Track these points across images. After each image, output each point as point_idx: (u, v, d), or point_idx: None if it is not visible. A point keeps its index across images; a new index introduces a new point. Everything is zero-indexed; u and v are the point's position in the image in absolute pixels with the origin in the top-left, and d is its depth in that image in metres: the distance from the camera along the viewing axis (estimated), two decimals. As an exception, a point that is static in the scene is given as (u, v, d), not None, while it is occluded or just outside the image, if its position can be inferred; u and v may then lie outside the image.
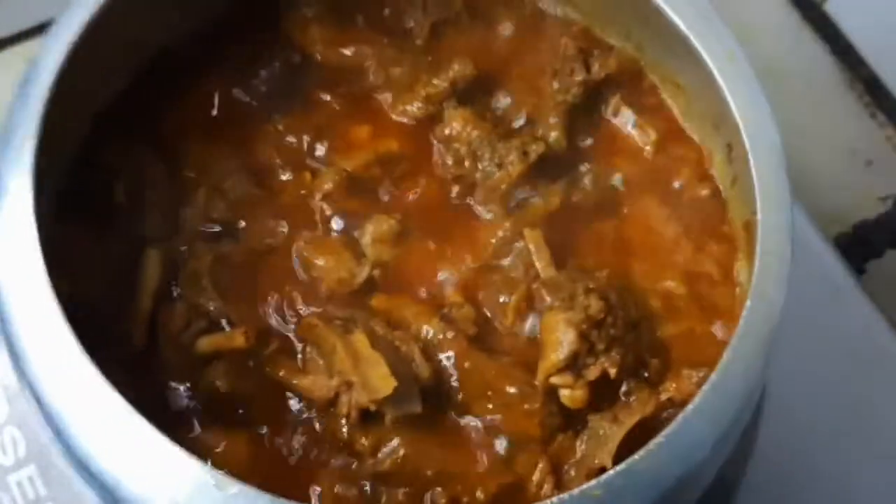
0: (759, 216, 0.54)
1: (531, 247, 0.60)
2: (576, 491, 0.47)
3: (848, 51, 0.99)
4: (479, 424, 0.56)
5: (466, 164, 0.62)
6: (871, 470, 0.72)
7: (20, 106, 0.54)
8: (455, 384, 0.56)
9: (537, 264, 0.59)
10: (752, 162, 0.56)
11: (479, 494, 0.54)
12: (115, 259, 0.58)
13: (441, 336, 0.56)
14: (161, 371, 0.56)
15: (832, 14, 1.00)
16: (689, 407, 0.49)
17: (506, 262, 0.60)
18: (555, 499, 0.46)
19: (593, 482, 0.47)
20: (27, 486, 0.64)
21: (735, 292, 0.59)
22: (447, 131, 0.63)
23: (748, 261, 0.58)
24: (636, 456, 0.48)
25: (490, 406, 0.56)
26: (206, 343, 0.56)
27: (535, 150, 0.61)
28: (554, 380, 0.55)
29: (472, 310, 0.58)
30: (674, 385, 0.56)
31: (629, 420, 0.55)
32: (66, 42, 0.55)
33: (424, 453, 0.54)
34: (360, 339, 0.55)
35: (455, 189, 0.63)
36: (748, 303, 0.52)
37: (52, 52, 0.55)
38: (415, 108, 0.64)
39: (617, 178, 0.64)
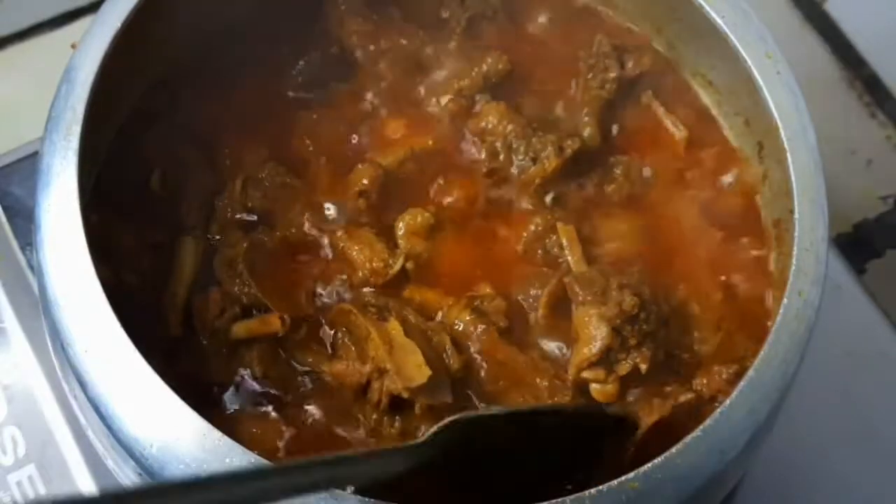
0: (796, 215, 0.55)
1: (564, 241, 0.60)
2: (615, 482, 0.47)
3: (848, 51, 0.99)
4: None
5: (501, 157, 0.62)
6: (872, 469, 0.72)
7: (67, 91, 0.54)
8: (484, 376, 0.56)
9: (569, 259, 0.59)
10: (790, 161, 0.56)
11: None
12: (151, 247, 0.58)
13: (472, 328, 0.57)
14: (197, 357, 0.56)
15: (832, 14, 1.00)
16: (726, 402, 0.50)
17: (538, 255, 0.61)
18: (593, 490, 0.47)
19: (631, 474, 0.47)
20: (27, 486, 0.64)
21: (766, 288, 0.60)
22: (482, 125, 0.63)
23: (777, 257, 0.59)
24: (673, 449, 0.48)
25: (521, 399, 0.56)
26: (241, 328, 0.56)
27: (571, 145, 0.62)
28: (585, 374, 0.56)
29: (503, 302, 0.58)
30: (704, 380, 0.56)
31: (647, 419, 0.55)
32: (111, 30, 0.55)
33: None
34: (394, 327, 0.55)
35: (489, 183, 0.63)
36: (784, 300, 0.52)
37: (97, 40, 0.55)
38: (448, 100, 0.64)
39: (648, 173, 0.64)
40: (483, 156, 0.63)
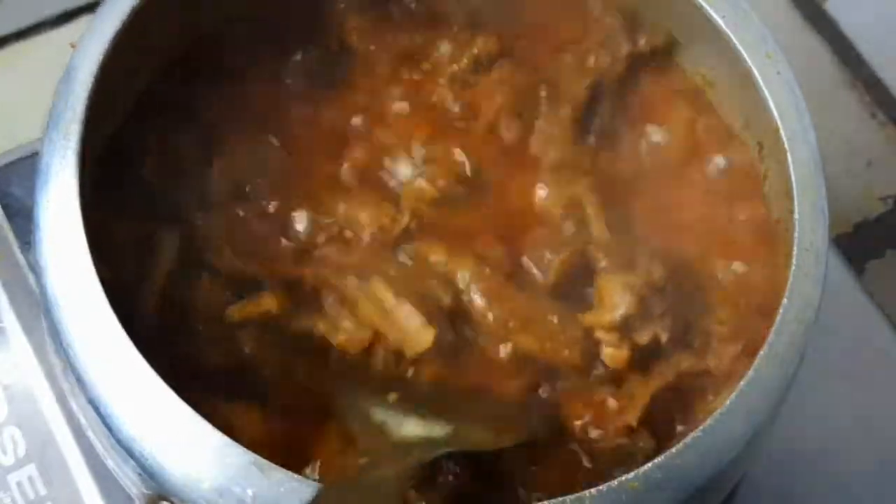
0: (796, 215, 0.54)
1: (588, 209, 0.59)
2: (614, 482, 0.47)
3: (848, 51, 0.99)
4: (515, 354, 0.56)
5: (508, 121, 0.62)
6: (871, 470, 0.72)
7: (66, 91, 0.54)
8: (492, 320, 0.56)
9: (593, 226, 0.59)
10: (790, 162, 0.56)
11: None
12: (144, 242, 0.58)
13: (478, 273, 0.56)
14: (194, 349, 0.56)
15: (832, 14, 1.00)
16: (725, 403, 0.50)
17: (552, 223, 0.60)
18: (593, 490, 0.47)
19: (631, 475, 0.47)
20: (27, 486, 0.64)
21: (769, 283, 0.59)
22: (483, 91, 0.63)
23: (778, 257, 0.58)
24: (673, 449, 0.48)
25: (530, 338, 0.56)
26: (236, 311, 0.56)
27: (587, 83, 0.61)
28: (600, 334, 0.56)
29: (504, 252, 0.58)
30: (716, 359, 0.56)
31: (642, 398, 0.55)
32: (110, 29, 0.55)
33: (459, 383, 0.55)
34: (377, 288, 0.55)
35: (497, 147, 0.62)
36: (784, 300, 0.52)
37: (96, 39, 0.55)
38: (442, 85, 0.64)
39: (655, 151, 0.64)
40: (484, 120, 0.62)
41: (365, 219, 0.59)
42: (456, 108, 0.64)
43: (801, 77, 0.58)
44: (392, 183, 0.61)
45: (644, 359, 0.57)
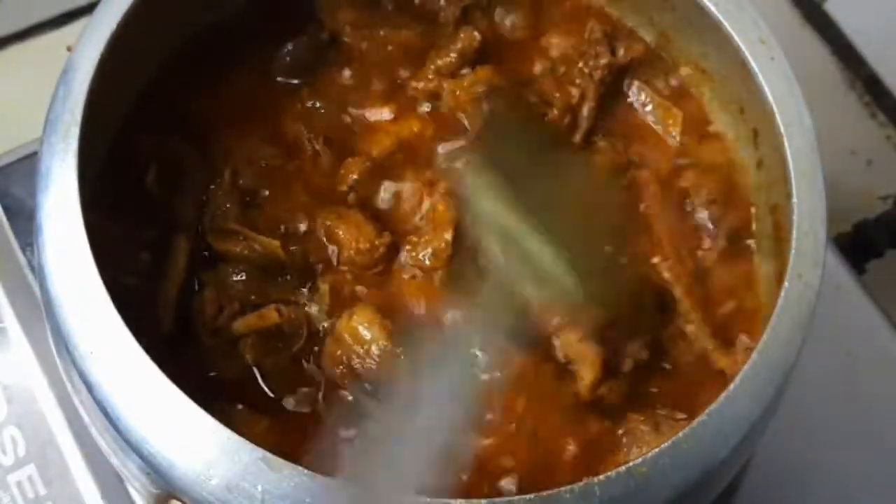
0: (794, 199, 0.54)
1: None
2: (622, 468, 0.47)
3: (848, 51, 0.99)
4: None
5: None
6: (872, 470, 0.72)
7: (64, 94, 0.54)
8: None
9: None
10: (786, 147, 0.56)
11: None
12: (147, 248, 0.58)
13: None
14: (200, 355, 0.56)
15: (832, 14, 1.00)
16: (731, 386, 0.50)
17: None
18: (602, 476, 0.47)
19: (639, 460, 0.47)
20: (27, 486, 0.64)
21: (755, 279, 0.60)
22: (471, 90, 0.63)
23: (775, 243, 0.58)
24: (681, 434, 0.48)
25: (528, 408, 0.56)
26: (241, 325, 0.57)
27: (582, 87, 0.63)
28: (600, 391, 0.56)
29: None
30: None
31: (669, 433, 0.54)
32: (107, 30, 0.55)
33: None
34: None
35: None
36: (785, 283, 0.52)
37: (93, 42, 0.55)
38: (427, 81, 0.64)
39: (637, 160, 0.64)
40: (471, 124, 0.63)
41: (347, 238, 0.59)
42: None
43: (800, 77, 0.58)
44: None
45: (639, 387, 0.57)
